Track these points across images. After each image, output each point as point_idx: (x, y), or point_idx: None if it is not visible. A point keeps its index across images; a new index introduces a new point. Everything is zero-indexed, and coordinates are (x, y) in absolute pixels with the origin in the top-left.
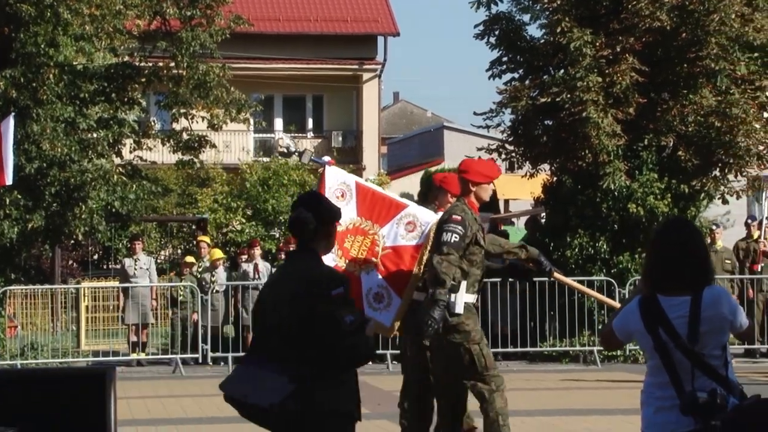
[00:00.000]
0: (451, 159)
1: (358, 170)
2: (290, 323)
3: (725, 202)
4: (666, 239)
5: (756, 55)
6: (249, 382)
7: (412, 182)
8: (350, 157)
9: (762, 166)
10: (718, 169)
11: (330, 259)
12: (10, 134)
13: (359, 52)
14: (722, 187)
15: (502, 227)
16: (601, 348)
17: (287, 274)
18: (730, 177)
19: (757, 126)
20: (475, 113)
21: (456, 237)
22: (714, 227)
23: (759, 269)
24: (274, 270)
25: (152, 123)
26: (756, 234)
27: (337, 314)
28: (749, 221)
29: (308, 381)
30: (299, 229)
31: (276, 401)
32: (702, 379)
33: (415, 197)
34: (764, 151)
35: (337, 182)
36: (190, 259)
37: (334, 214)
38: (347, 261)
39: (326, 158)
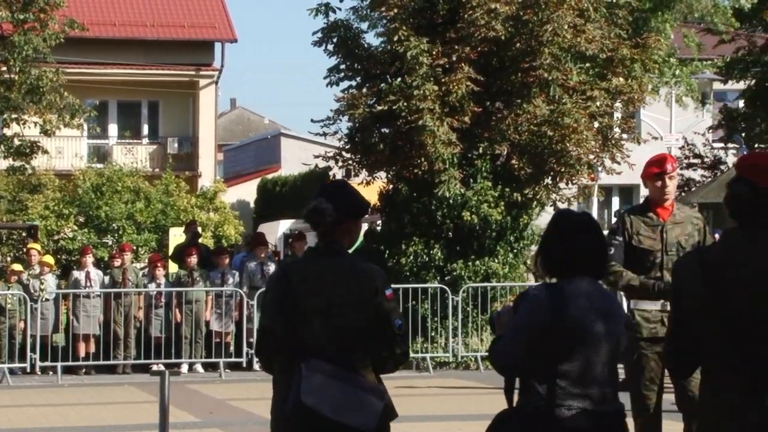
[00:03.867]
0: (288, 166)
1: (194, 177)
2: (355, 327)
3: (557, 209)
4: None
5: (587, 65)
6: (341, 398)
7: (248, 189)
8: (186, 164)
9: (591, 175)
10: (550, 178)
11: None
12: None
13: (196, 57)
14: (554, 195)
15: None
16: (434, 354)
17: (334, 270)
18: (562, 185)
19: (588, 135)
20: (312, 120)
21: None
22: None
23: None
24: (270, 265)
25: None
26: None
27: (391, 318)
28: None
29: (389, 396)
30: (318, 220)
31: (373, 424)
32: None
33: (252, 204)
34: (594, 160)
35: None
36: (17, 266)
37: (359, 209)
38: None
39: None
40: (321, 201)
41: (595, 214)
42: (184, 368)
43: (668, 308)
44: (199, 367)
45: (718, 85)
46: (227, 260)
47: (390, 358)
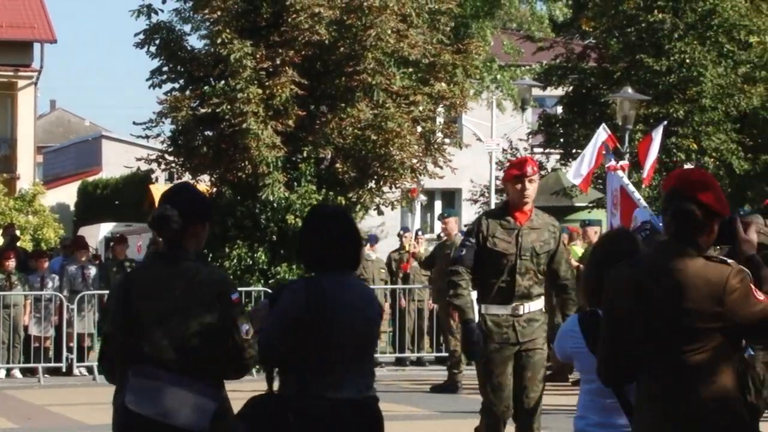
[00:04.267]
0: (110, 169)
1: (12, 180)
2: (195, 331)
3: (380, 213)
4: (606, 250)
5: (410, 70)
6: (167, 400)
7: (68, 192)
8: (4, 166)
9: (415, 179)
10: (373, 182)
11: None
12: None
13: (14, 58)
14: (377, 199)
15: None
16: None
17: (176, 276)
18: (385, 189)
19: (411, 139)
20: (134, 123)
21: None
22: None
23: (408, 270)
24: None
25: None
26: (408, 246)
27: (237, 322)
28: (401, 232)
29: (227, 400)
30: (163, 228)
31: (206, 424)
32: None
33: (72, 207)
34: (417, 164)
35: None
36: None
37: (205, 212)
38: None
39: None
40: (166, 208)
41: (418, 217)
42: (2, 374)
43: (519, 313)
44: (17, 373)
45: (537, 91)
46: (46, 264)
47: (237, 363)
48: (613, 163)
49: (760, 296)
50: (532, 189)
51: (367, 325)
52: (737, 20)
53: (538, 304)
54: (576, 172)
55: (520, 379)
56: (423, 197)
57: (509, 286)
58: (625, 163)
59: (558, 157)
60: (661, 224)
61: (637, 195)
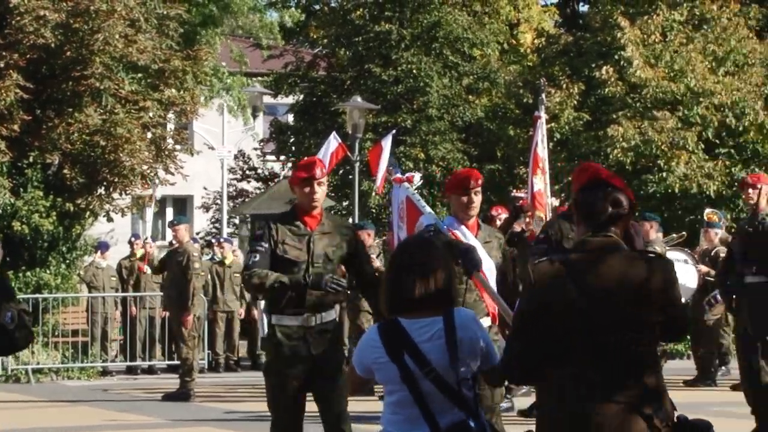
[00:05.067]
0: None
1: None
2: None
3: (110, 220)
4: (406, 258)
5: (140, 75)
6: None
7: None
8: None
9: (146, 185)
10: (103, 188)
11: None
12: None
13: None
14: (107, 206)
15: None
16: None
17: None
18: (115, 195)
19: (141, 145)
20: None
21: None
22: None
23: (144, 288)
24: None
25: None
26: (139, 252)
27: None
28: (132, 239)
29: None
30: None
31: None
32: (455, 411)
33: None
34: (148, 170)
35: (399, 202)
36: None
37: None
38: None
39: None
40: None
41: (149, 224)
42: None
43: (310, 324)
44: None
45: (268, 99)
46: None
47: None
48: (399, 175)
49: None
50: (321, 192)
51: None
52: (461, 33)
53: (331, 314)
54: None
55: (321, 396)
56: (155, 206)
57: (300, 296)
58: (410, 174)
59: (291, 165)
60: (446, 227)
61: (422, 203)
